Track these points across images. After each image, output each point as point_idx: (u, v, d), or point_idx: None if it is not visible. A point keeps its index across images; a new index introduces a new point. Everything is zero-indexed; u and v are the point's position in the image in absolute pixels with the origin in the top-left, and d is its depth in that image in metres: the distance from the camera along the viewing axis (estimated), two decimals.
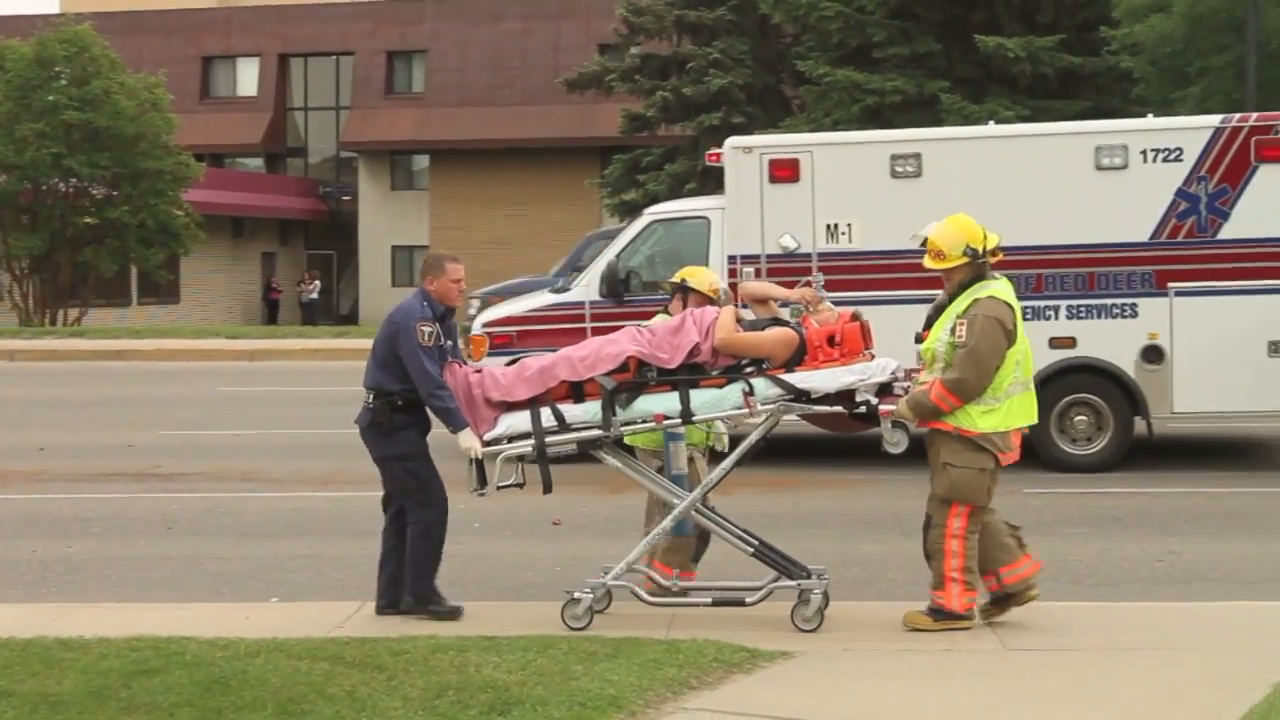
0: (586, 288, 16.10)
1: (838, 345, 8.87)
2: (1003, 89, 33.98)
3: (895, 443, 8.81)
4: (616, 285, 15.83)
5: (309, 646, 8.18)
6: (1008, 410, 8.72)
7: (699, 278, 9.92)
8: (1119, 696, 7.45)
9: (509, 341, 16.26)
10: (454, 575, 11.01)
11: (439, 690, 7.35)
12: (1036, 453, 14.15)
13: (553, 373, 9.00)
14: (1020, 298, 15.14)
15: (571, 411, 8.94)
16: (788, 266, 15.08)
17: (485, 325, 16.57)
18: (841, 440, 16.26)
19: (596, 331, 15.98)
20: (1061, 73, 34.08)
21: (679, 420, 8.87)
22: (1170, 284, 14.61)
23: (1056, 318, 14.75)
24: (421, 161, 54.16)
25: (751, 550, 9.15)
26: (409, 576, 9.25)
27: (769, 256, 15.14)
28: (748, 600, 9.07)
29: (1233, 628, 8.59)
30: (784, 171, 15.17)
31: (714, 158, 15.80)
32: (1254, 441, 16.78)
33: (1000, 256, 8.99)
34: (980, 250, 8.83)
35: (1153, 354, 14.55)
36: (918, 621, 8.78)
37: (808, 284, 9.56)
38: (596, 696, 7.28)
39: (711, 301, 9.61)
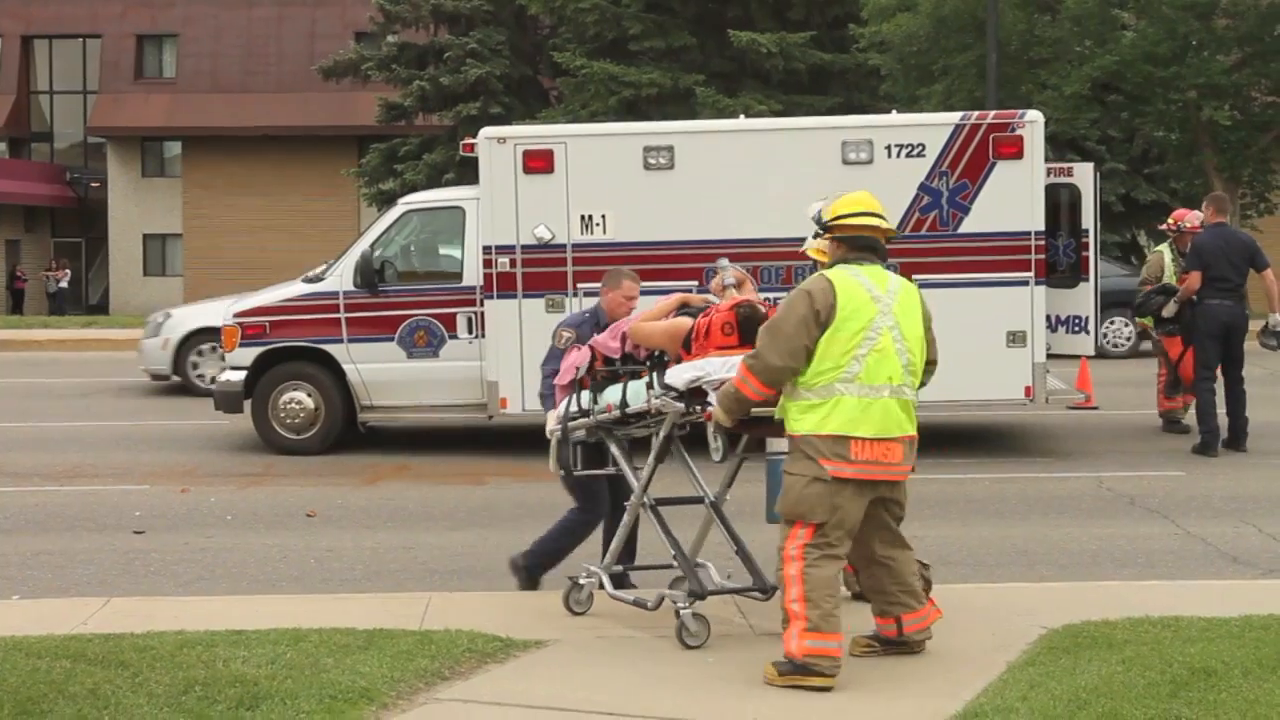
0: (340, 278, 15.94)
1: (700, 338, 8.35)
2: (756, 83, 34.62)
3: (715, 449, 8.28)
4: (371, 275, 15.71)
5: (50, 644, 7.96)
6: (833, 411, 7.48)
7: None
8: (864, 677, 7.64)
9: (261, 332, 16.04)
10: (203, 569, 10.87)
11: (186, 686, 7.22)
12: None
13: (578, 361, 9.08)
14: (770, 290, 15.54)
15: (586, 398, 8.90)
16: (543, 257, 15.16)
17: (236, 315, 16.29)
18: None
19: (350, 322, 15.90)
20: (813, 68, 34.85)
21: (620, 411, 8.67)
22: (913, 276, 14.91)
23: None
24: (174, 148, 52.92)
25: (673, 554, 8.62)
26: (542, 544, 9.61)
27: (524, 247, 15.18)
28: (648, 605, 8.58)
29: (974, 609, 8.86)
30: (538, 162, 15.22)
31: (468, 148, 15.77)
32: (994, 429, 17.35)
33: (845, 232, 7.80)
34: (820, 218, 7.92)
35: None
36: (767, 674, 7.51)
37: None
38: (347, 689, 7.23)
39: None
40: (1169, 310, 16.03)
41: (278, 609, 9.12)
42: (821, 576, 7.47)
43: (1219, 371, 15.50)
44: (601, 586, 8.84)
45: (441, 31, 40.07)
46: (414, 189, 31.40)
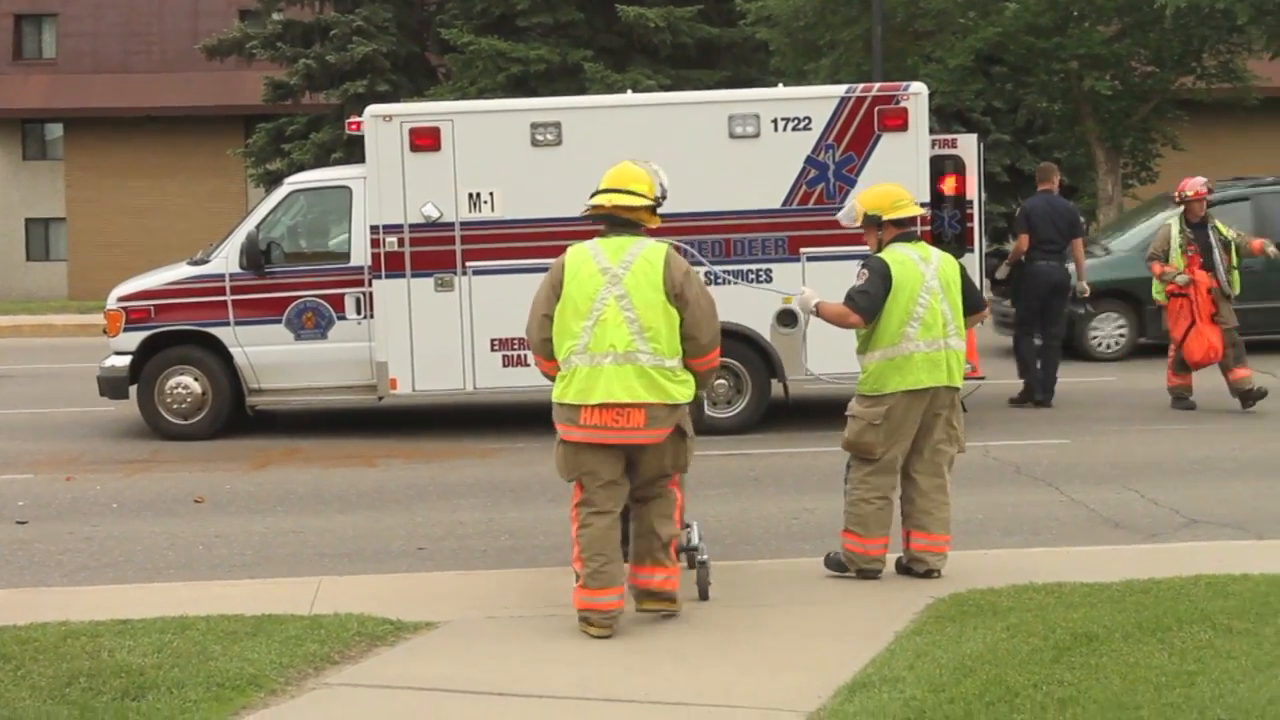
0: (226, 260, 15.76)
1: None
2: (645, 58, 34.60)
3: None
4: (257, 257, 15.54)
5: None
6: (571, 381, 7.94)
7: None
8: (752, 650, 7.69)
9: (146, 316, 15.83)
10: (88, 558, 10.73)
11: (70, 678, 7.13)
12: None
13: None
14: None
15: None
16: (431, 236, 15.07)
17: (120, 299, 16.06)
18: (485, 410, 16.36)
19: (236, 304, 15.73)
20: (701, 43, 34.89)
21: None
22: (802, 249, 15.06)
23: None
24: (55, 130, 51.93)
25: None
26: None
27: (412, 226, 15.08)
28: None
29: (858, 580, 8.96)
30: (425, 140, 15.11)
31: (354, 126, 15.61)
32: None
33: (592, 209, 8.26)
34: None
35: (787, 318, 14.68)
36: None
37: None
38: (235, 676, 7.17)
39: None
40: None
41: (164, 597, 9.04)
42: (591, 535, 7.99)
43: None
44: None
45: (327, 9, 39.61)
46: (301, 169, 31.11)
